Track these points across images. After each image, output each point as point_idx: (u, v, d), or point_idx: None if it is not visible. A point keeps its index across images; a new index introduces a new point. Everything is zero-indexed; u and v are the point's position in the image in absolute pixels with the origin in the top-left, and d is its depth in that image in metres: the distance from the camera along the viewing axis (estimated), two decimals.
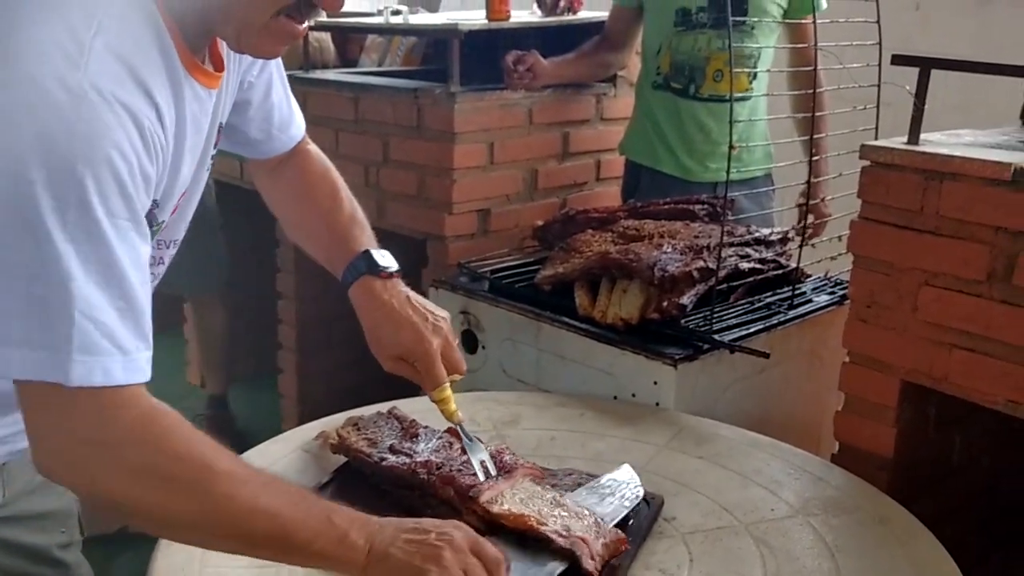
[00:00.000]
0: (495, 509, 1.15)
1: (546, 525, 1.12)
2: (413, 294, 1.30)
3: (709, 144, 2.47)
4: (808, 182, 1.81)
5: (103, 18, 0.91)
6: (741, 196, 2.46)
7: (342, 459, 1.35)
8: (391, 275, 1.29)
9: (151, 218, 1.00)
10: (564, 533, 1.11)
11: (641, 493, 1.25)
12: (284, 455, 1.40)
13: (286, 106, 1.34)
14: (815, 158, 2.09)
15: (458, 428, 1.26)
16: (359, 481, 1.29)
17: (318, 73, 2.81)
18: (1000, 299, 1.40)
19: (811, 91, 2.06)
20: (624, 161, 2.62)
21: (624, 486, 1.25)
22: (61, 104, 0.86)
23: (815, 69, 1.71)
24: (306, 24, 1.02)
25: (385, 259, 1.30)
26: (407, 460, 1.23)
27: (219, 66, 1.09)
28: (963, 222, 1.43)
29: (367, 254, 1.30)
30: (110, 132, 0.88)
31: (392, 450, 1.27)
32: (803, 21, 2.39)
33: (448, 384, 1.24)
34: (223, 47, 1.10)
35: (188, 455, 0.93)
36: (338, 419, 1.45)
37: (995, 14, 3.28)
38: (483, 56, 2.58)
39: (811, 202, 1.85)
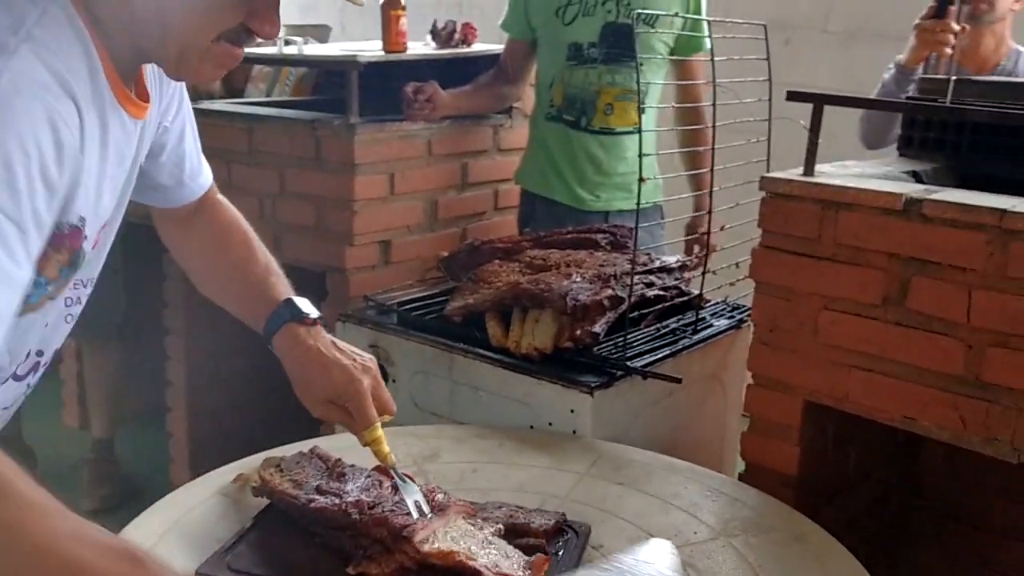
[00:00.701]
0: (426, 548, 1.14)
1: (475, 561, 1.12)
2: (336, 340, 1.31)
3: (600, 175, 2.55)
4: (709, 211, 1.87)
5: (33, 28, 0.88)
6: (630, 223, 2.58)
7: (264, 502, 1.31)
8: (315, 321, 1.29)
9: (75, 247, 0.96)
10: (493, 569, 1.11)
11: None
12: (201, 501, 1.35)
13: (196, 154, 1.33)
14: (702, 192, 2.20)
15: (391, 469, 1.25)
16: (285, 524, 1.25)
17: (206, 103, 2.74)
18: (895, 321, 1.49)
19: (696, 127, 2.17)
20: (520, 191, 2.66)
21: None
22: None
23: (714, 104, 1.77)
24: (244, 50, 1.03)
25: (307, 306, 1.30)
26: (337, 500, 1.21)
27: (144, 98, 1.07)
28: (859, 249, 1.52)
29: (289, 302, 1.29)
30: (15, 121, 0.84)
31: (320, 491, 1.24)
32: (689, 59, 2.49)
33: (379, 424, 1.23)
34: (149, 80, 1.07)
35: None
36: (254, 460, 1.42)
37: (858, 52, 3.49)
38: (378, 87, 2.58)
39: (707, 232, 1.91)
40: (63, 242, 0.98)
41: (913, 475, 2.03)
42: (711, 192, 1.83)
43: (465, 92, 2.53)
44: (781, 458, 1.65)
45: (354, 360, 1.25)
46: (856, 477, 1.83)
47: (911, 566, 2.01)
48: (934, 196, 1.44)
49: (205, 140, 2.52)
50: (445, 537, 1.16)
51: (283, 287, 1.33)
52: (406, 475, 1.26)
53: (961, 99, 1.81)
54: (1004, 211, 1.35)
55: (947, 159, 1.87)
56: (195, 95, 2.73)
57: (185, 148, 1.29)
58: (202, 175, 1.36)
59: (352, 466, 1.32)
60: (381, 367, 1.91)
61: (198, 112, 2.56)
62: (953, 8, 2.30)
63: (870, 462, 1.87)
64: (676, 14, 2.45)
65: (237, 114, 2.57)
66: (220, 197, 1.40)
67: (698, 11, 2.54)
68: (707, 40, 2.47)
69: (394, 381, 1.91)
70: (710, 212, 1.87)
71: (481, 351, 1.78)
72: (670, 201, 2.51)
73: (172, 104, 1.23)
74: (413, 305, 2.00)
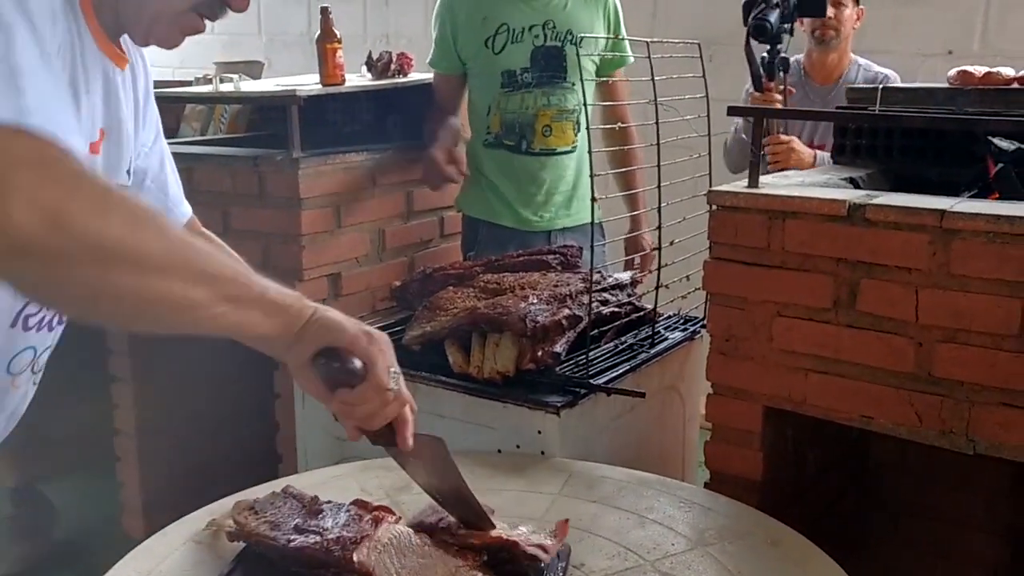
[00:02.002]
0: None
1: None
2: None
3: (543, 195, 2.58)
4: (659, 226, 1.91)
5: None
6: (572, 241, 2.59)
7: (239, 546, 1.29)
8: None
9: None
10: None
11: None
12: (174, 549, 1.32)
13: (176, 182, 1.35)
14: (639, 211, 2.28)
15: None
16: (264, 567, 1.24)
17: None
18: (846, 324, 1.54)
19: (626, 146, 2.25)
20: (462, 217, 2.68)
21: None
22: None
23: (656, 123, 1.81)
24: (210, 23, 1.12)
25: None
26: (317, 538, 1.20)
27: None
28: (807, 256, 1.57)
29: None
30: None
31: (298, 530, 1.23)
32: (614, 78, 2.56)
33: None
34: (129, 100, 1.15)
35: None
36: (224, 504, 1.40)
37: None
38: (316, 120, 2.57)
39: (659, 247, 1.95)
40: None
41: (867, 472, 2.08)
42: (660, 208, 1.86)
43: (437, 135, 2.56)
44: (745, 464, 1.69)
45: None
46: (815, 478, 1.88)
47: (871, 562, 2.07)
48: (876, 201, 1.50)
49: None
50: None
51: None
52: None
53: (888, 107, 1.89)
54: (944, 212, 1.41)
55: (879, 164, 1.95)
56: None
57: (167, 174, 1.33)
58: (184, 204, 1.39)
59: (329, 502, 1.31)
60: None
61: None
62: (771, 82, 2.41)
63: (827, 462, 1.92)
64: (617, 36, 2.54)
65: (175, 154, 2.52)
66: (203, 229, 1.41)
67: (617, 29, 2.63)
68: (629, 56, 2.55)
69: None
70: (660, 228, 1.91)
71: (444, 378, 1.78)
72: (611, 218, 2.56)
73: (150, 128, 1.27)
74: None
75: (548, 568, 1.25)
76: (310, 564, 1.19)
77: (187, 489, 1.37)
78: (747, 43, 2.27)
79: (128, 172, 1.22)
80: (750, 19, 2.19)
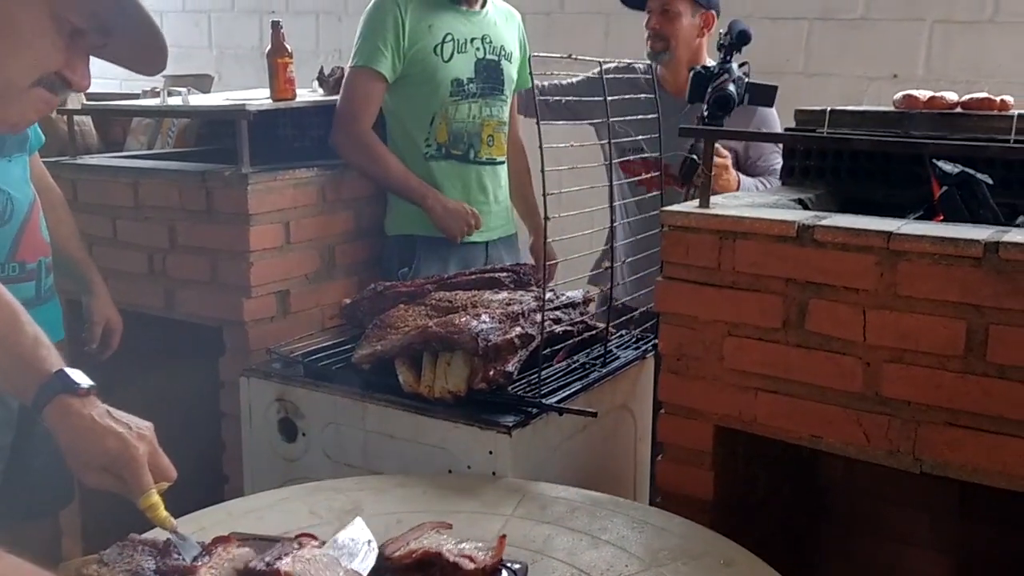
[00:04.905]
0: None
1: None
2: (112, 409, 1.27)
3: (489, 203, 2.59)
4: (611, 246, 1.91)
5: None
6: (504, 252, 2.65)
7: None
8: (88, 392, 1.25)
9: None
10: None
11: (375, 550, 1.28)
12: None
13: None
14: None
15: (171, 533, 1.23)
16: None
17: (88, 159, 2.64)
18: (795, 343, 1.55)
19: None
20: (393, 238, 2.57)
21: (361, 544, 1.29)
22: None
23: (609, 142, 1.82)
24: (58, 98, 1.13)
25: (80, 376, 1.27)
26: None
27: None
28: (757, 276, 1.58)
29: (61, 372, 1.26)
30: None
31: (161, 572, 1.19)
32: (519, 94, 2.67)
33: (155, 490, 1.22)
34: None
35: None
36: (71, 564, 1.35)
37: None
38: (266, 136, 2.54)
39: (611, 266, 1.95)
40: None
41: (815, 490, 2.10)
42: (612, 227, 1.87)
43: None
44: (696, 484, 1.69)
45: (129, 428, 1.23)
46: (766, 496, 1.88)
47: None
48: (824, 222, 1.52)
49: (88, 196, 2.47)
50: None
51: (54, 359, 1.28)
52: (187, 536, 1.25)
53: (836, 129, 1.92)
54: (891, 233, 1.44)
55: (828, 185, 1.97)
56: (73, 149, 2.64)
57: None
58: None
59: (184, 539, 1.26)
60: (289, 420, 1.89)
61: (80, 168, 2.51)
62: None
63: (777, 481, 1.93)
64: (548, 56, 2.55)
65: (121, 168, 2.48)
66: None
67: (524, 49, 2.68)
68: (529, 77, 2.56)
69: (304, 435, 1.87)
70: (612, 247, 1.91)
71: (394, 398, 1.76)
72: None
73: None
74: (319, 355, 1.96)
75: None
76: None
77: (130, 512, 1.33)
78: (703, 118, 2.09)
79: None
80: (710, 91, 2.05)
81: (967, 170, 1.64)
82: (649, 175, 2.28)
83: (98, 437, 1.21)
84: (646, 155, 2.42)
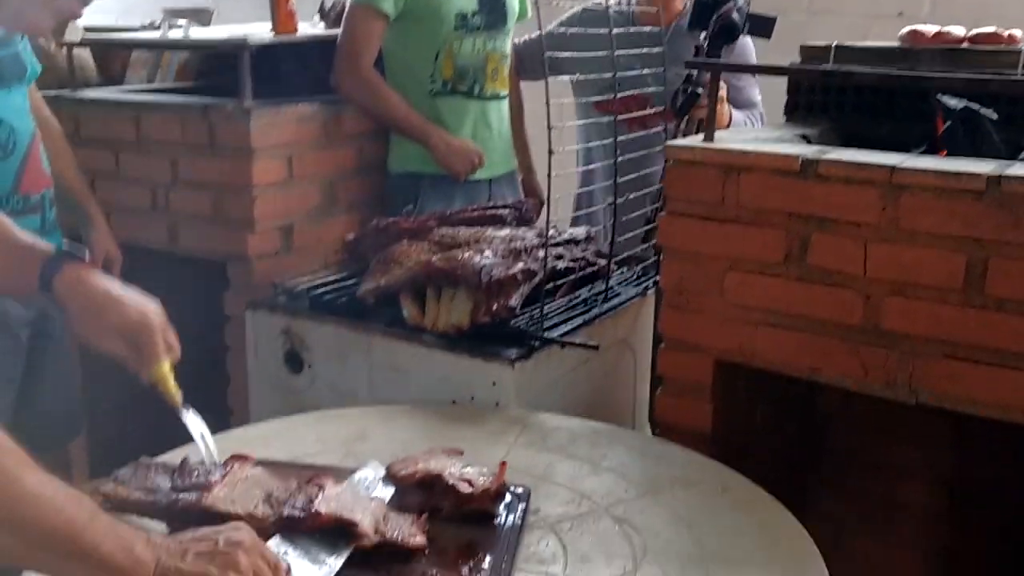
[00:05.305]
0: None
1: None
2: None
3: (494, 139, 2.58)
4: (615, 181, 1.91)
5: None
6: (506, 189, 2.64)
7: None
8: (92, 263, 1.29)
9: None
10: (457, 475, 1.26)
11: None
12: None
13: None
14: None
15: (178, 407, 1.27)
16: None
17: (89, 92, 2.62)
18: (797, 277, 1.57)
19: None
20: (390, 177, 2.57)
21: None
22: None
23: (614, 75, 1.81)
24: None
25: (83, 252, 1.29)
26: (205, 493, 1.19)
27: None
28: (760, 210, 1.59)
29: (62, 250, 1.31)
30: None
31: (176, 490, 1.21)
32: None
33: (167, 362, 1.25)
34: None
35: None
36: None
37: None
38: (267, 70, 2.52)
39: (614, 202, 1.95)
40: None
41: (812, 425, 2.13)
42: (615, 162, 1.87)
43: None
44: (695, 417, 1.72)
45: (142, 300, 1.26)
46: (763, 430, 1.91)
47: (816, 512, 2.12)
48: (828, 156, 1.52)
49: (90, 130, 2.46)
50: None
51: (47, 245, 1.30)
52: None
53: (842, 64, 1.90)
54: (894, 167, 1.44)
55: (831, 121, 1.97)
56: (72, 83, 2.62)
57: None
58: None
59: (199, 461, 1.28)
60: (295, 353, 1.91)
61: (81, 102, 2.50)
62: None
63: (774, 415, 1.95)
64: None
65: (123, 102, 2.47)
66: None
67: None
68: (528, 8, 2.53)
69: (309, 367, 1.89)
70: (616, 182, 1.91)
71: (399, 331, 1.78)
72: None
73: None
74: (324, 289, 1.98)
75: (508, 508, 1.27)
76: (201, 521, 1.12)
77: (135, 449, 1.35)
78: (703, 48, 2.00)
79: None
80: (714, 20, 1.97)
81: (971, 105, 1.64)
82: (632, 113, 2.23)
83: (115, 303, 1.23)
84: (625, 93, 2.38)
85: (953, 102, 1.65)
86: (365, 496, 1.23)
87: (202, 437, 1.26)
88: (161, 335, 1.25)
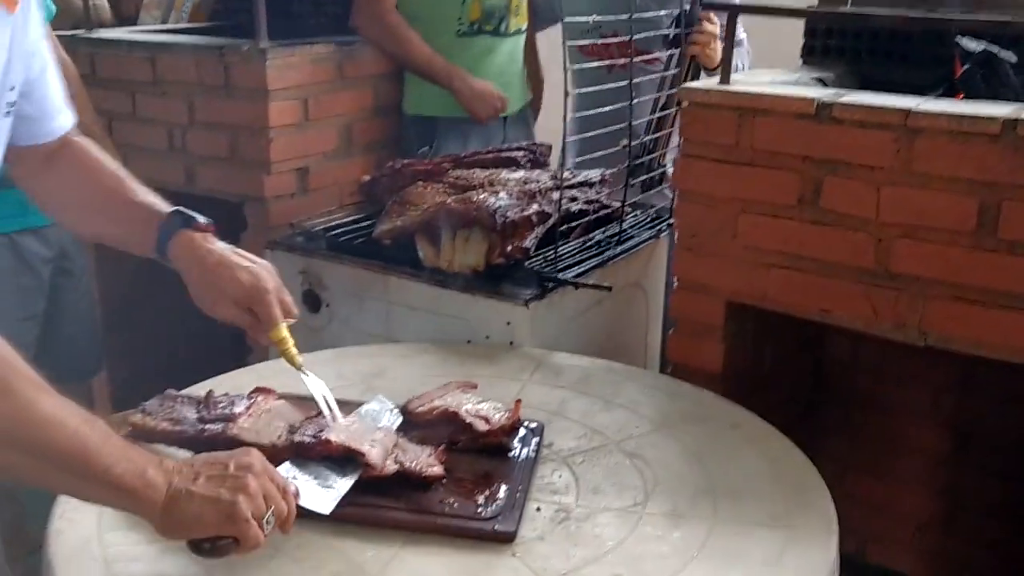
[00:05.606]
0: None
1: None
2: (233, 247, 1.31)
3: (516, 76, 2.57)
4: (630, 123, 1.92)
5: None
6: (519, 128, 2.64)
7: None
8: (208, 227, 1.29)
9: None
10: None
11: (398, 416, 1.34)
12: None
13: (59, 88, 1.30)
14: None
15: (299, 369, 1.28)
16: None
17: (104, 32, 2.62)
18: (810, 220, 1.58)
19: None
20: (405, 118, 2.56)
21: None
22: None
23: (631, 17, 1.81)
24: None
25: (198, 216, 1.30)
26: (231, 424, 1.22)
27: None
28: (774, 153, 1.59)
29: (179, 211, 1.29)
30: None
31: (203, 421, 1.24)
32: None
33: (285, 325, 1.26)
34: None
35: None
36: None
37: None
38: (280, 11, 2.51)
39: (628, 144, 1.96)
40: None
41: (822, 368, 2.16)
42: (631, 104, 1.87)
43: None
44: (706, 357, 1.75)
45: (255, 263, 1.27)
46: (773, 372, 1.94)
47: (823, 454, 2.16)
48: (843, 99, 1.52)
49: (106, 71, 2.47)
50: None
51: (165, 204, 1.31)
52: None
53: (860, 7, 1.89)
54: (909, 111, 1.44)
55: (848, 65, 1.96)
56: (87, 23, 2.63)
57: (48, 77, 1.26)
58: (64, 112, 1.32)
59: (226, 394, 1.31)
60: (312, 292, 1.94)
61: (96, 42, 2.50)
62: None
63: (785, 357, 1.98)
64: None
65: (138, 43, 2.47)
66: (84, 139, 1.37)
67: None
68: None
69: (327, 306, 1.92)
70: (631, 125, 1.92)
71: (415, 271, 1.81)
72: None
73: (36, 26, 1.19)
74: (341, 230, 2.00)
75: (523, 442, 1.31)
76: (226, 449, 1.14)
77: (155, 385, 1.38)
78: None
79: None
80: None
81: (990, 47, 1.63)
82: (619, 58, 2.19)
83: (230, 270, 1.24)
84: (610, 39, 2.37)
85: (972, 45, 1.64)
86: (373, 426, 1.27)
87: (324, 399, 1.25)
88: (276, 297, 1.25)
